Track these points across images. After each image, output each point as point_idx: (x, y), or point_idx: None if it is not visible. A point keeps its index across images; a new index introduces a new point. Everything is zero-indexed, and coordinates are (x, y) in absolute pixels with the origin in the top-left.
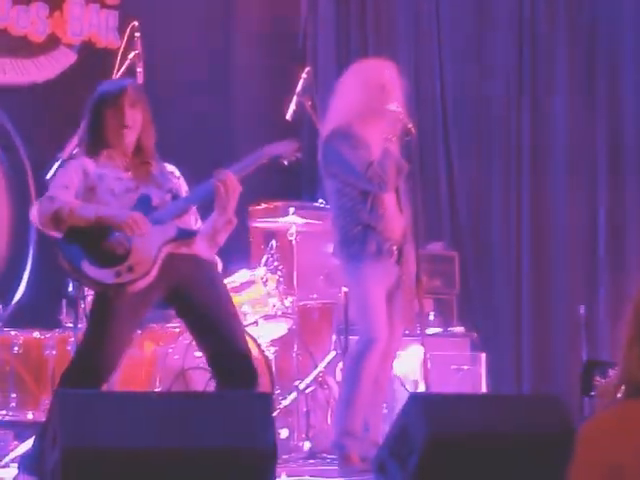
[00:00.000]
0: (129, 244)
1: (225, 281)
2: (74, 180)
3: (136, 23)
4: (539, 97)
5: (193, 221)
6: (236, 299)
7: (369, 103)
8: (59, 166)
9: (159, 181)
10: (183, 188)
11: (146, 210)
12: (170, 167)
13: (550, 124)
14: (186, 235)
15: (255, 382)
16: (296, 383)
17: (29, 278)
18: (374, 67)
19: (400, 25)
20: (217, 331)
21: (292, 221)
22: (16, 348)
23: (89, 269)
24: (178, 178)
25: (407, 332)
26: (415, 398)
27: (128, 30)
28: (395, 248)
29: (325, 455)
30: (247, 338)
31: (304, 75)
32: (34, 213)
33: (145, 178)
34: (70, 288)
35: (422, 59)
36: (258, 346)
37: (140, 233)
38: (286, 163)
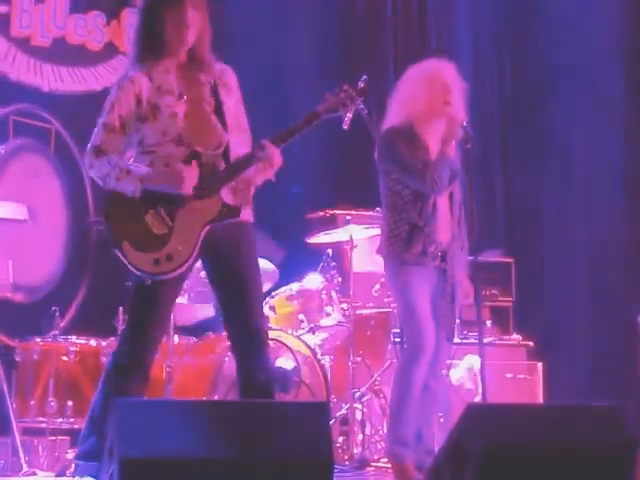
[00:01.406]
0: (171, 222)
1: (282, 289)
2: (123, 114)
3: None
4: None
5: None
6: (292, 307)
7: (431, 102)
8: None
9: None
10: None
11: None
12: (226, 69)
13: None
14: (228, 215)
15: (265, 364)
16: (352, 392)
17: (86, 286)
18: (437, 66)
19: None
20: (236, 306)
21: (349, 230)
22: (73, 355)
23: (129, 251)
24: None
25: (463, 340)
26: (471, 408)
27: None
28: (440, 252)
29: (381, 464)
30: (302, 346)
31: (361, 83)
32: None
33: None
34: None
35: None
36: (314, 354)
37: (185, 190)
38: (347, 116)
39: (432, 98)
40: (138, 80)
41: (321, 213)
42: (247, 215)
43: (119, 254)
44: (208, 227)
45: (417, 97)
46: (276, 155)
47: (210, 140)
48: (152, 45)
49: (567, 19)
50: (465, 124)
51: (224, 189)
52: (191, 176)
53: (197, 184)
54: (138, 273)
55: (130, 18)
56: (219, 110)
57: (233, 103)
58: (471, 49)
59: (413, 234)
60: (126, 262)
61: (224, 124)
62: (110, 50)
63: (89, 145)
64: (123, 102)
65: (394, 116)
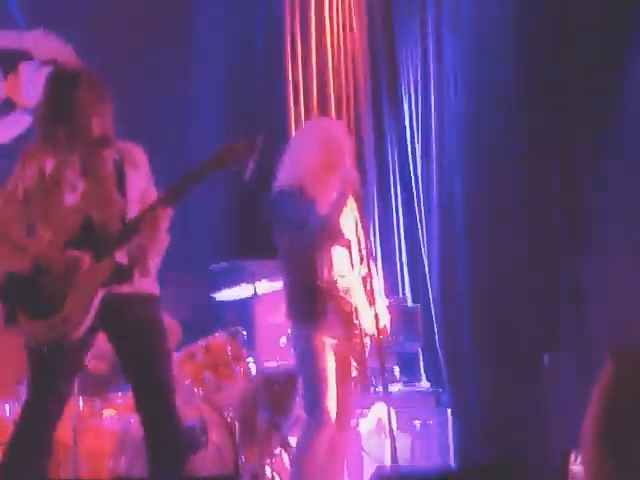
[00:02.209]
0: (62, 288)
1: (186, 346)
2: (27, 187)
3: None
4: None
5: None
6: (198, 364)
7: (322, 162)
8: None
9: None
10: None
11: (88, 237)
12: (133, 148)
13: None
14: (121, 275)
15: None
16: (261, 449)
17: None
18: (327, 126)
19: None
20: (143, 386)
21: (253, 284)
22: None
23: (23, 321)
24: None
25: (372, 390)
26: (379, 472)
27: None
28: (348, 307)
29: None
30: (208, 405)
31: (258, 142)
32: None
33: (97, 181)
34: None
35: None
36: (220, 413)
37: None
38: (250, 166)
39: (322, 159)
40: (41, 157)
41: (225, 264)
42: (150, 287)
43: (13, 328)
44: (102, 290)
45: (307, 157)
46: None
47: (108, 209)
48: (55, 130)
49: None
50: (355, 181)
51: (119, 253)
52: (84, 259)
53: (92, 248)
54: (34, 343)
55: (28, 72)
56: (121, 183)
57: (140, 179)
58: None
59: (314, 293)
60: (22, 333)
61: (124, 195)
62: (8, 105)
63: None
64: (27, 175)
65: (285, 176)
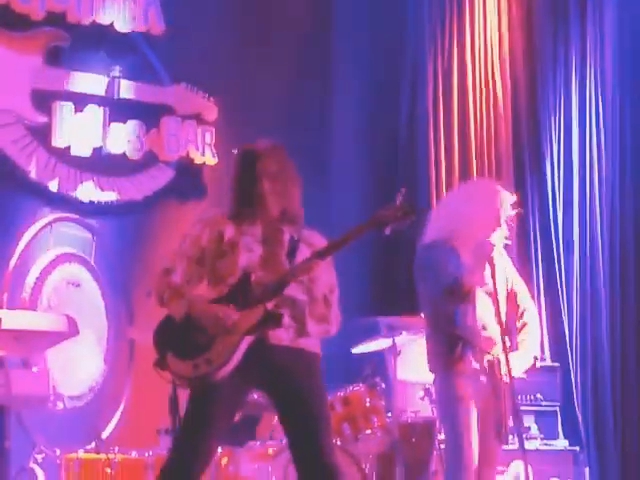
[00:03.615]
0: (212, 334)
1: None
2: (205, 247)
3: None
4: None
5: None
6: (336, 416)
7: (481, 225)
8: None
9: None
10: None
11: (243, 289)
12: (314, 234)
13: None
14: (270, 322)
15: None
16: None
17: (128, 395)
18: (488, 191)
19: None
20: (304, 438)
21: (392, 338)
22: (116, 467)
23: (172, 361)
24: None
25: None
26: None
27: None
28: (487, 360)
29: None
30: (346, 455)
31: (400, 195)
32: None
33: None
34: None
35: None
36: (359, 464)
37: (223, 331)
38: (388, 232)
39: (484, 222)
40: (224, 223)
41: (364, 320)
42: (311, 345)
43: (161, 369)
44: (250, 335)
45: (461, 217)
46: (317, 267)
47: (272, 271)
48: (240, 208)
49: None
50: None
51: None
52: (232, 319)
53: (244, 299)
54: (179, 381)
55: (169, 126)
56: (291, 254)
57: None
58: None
59: (455, 345)
60: (169, 372)
61: (291, 264)
62: (150, 159)
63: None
64: (206, 239)
65: (436, 229)
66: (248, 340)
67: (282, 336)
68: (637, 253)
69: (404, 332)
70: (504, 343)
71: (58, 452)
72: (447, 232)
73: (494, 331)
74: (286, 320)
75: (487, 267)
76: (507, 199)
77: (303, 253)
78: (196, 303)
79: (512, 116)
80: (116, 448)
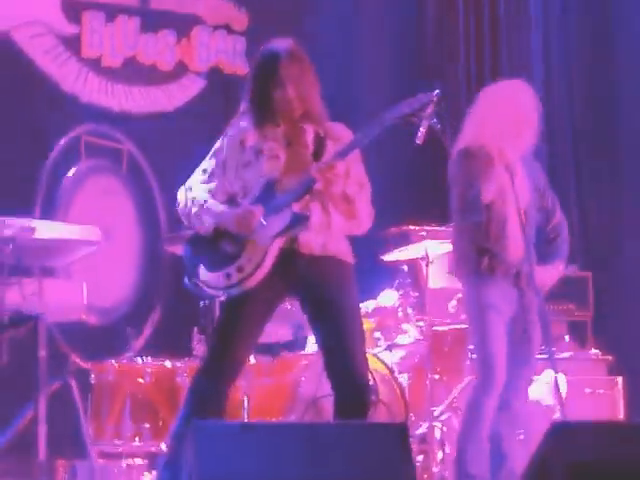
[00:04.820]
0: (241, 241)
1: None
2: (227, 161)
3: None
4: None
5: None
6: (369, 325)
7: (501, 127)
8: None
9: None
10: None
11: (268, 197)
12: (339, 127)
13: None
14: (299, 221)
15: (365, 410)
16: (431, 410)
17: (160, 307)
18: (510, 90)
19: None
20: (338, 349)
21: (424, 246)
22: (148, 377)
23: (203, 273)
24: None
25: (541, 356)
26: (556, 426)
27: None
28: (514, 271)
29: None
30: (380, 364)
31: (434, 98)
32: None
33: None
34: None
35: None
36: (391, 372)
37: (250, 231)
38: (421, 130)
39: (502, 124)
40: (245, 130)
41: (395, 229)
42: (342, 253)
43: (193, 283)
44: (281, 238)
45: (487, 122)
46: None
47: (299, 176)
48: (262, 112)
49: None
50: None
51: (296, 203)
52: (257, 217)
53: (271, 203)
54: (213, 292)
55: (200, 36)
56: (318, 153)
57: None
58: (543, 67)
59: (481, 256)
60: (201, 285)
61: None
62: (181, 69)
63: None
64: (227, 150)
65: (468, 135)
66: (278, 245)
67: (313, 244)
68: None
69: (434, 240)
70: (530, 255)
71: (90, 364)
72: (479, 139)
73: (520, 243)
74: (316, 221)
75: (519, 175)
76: (531, 100)
77: (330, 150)
78: (219, 212)
79: None
80: (149, 358)
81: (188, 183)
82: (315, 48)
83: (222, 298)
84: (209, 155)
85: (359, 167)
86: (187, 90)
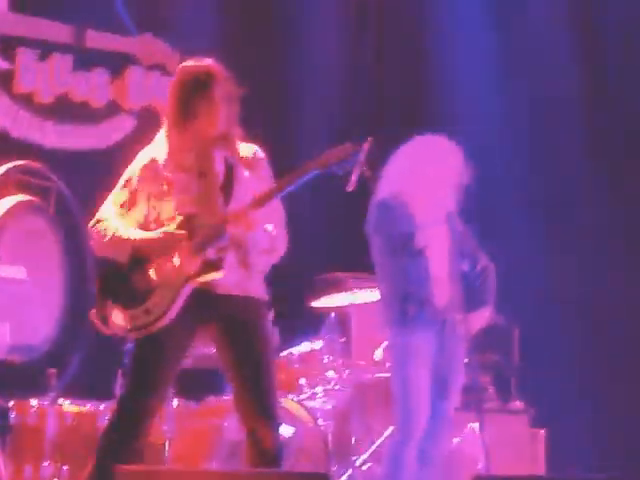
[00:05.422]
0: (155, 279)
1: (283, 353)
2: (138, 190)
3: None
4: None
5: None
6: (293, 372)
7: (432, 177)
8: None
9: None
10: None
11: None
12: (252, 148)
13: None
14: (209, 270)
15: (276, 446)
16: (353, 459)
17: (84, 347)
18: (445, 145)
19: None
20: (250, 388)
21: (352, 293)
22: (69, 419)
23: (111, 310)
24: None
25: (464, 407)
26: None
27: None
28: (440, 318)
29: None
30: (303, 411)
31: (363, 146)
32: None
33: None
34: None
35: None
36: (314, 420)
37: (169, 254)
38: (341, 173)
39: (418, 175)
40: (156, 159)
41: (324, 276)
42: (257, 291)
43: (101, 319)
44: (191, 284)
45: (419, 172)
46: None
47: (211, 212)
48: (180, 127)
49: None
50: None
51: (211, 249)
52: (179, 240)
53: (185, 245)
54: (119, 331)
55: (134, 75)
56: (228, 186)
57: (253, 180)
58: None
59: (407, 302)
60: (109, 322)
61: (229, 196)
62: (113, 108)
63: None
64: (139, 180)
65: (387, 186)
66: (189, 289)
67: (227, 284)
68: None
69: (362, 288)
70: (457, 301)
71: (11, 403)
72: (400, 189)
73: (446, 289)
74: (231, 261)
75: (442, 225)
76: (460, 159)
77: (240, 179)
78: (137, 236)
79: None
80: (69, 400)
81: (99, 215)
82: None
83: (130, 341)
84: (120, 185)
85: (278, 210)
86: (119, 129)
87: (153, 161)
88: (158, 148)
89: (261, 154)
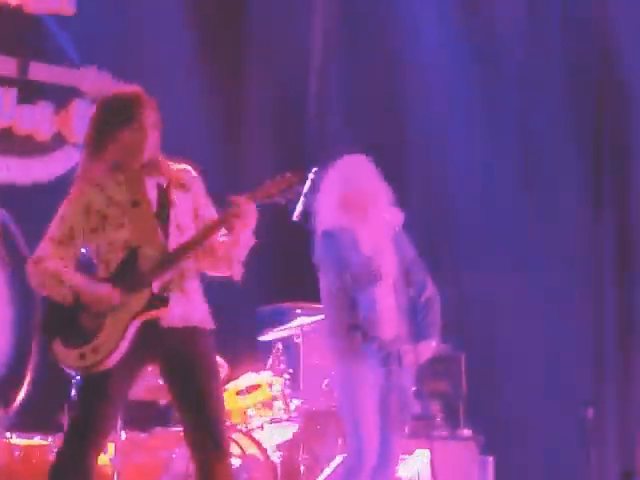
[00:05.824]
0: (100, 318)
1: (231, 384)
2: (74, 226)
3: None
4: None
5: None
6: (241, 403)
7: (349, 204)
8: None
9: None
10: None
11: (127, 270)
12: (183, 169)
13: None
14: (156, 306)
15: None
16: None
17: (31, 381)
18: (346, 165)
19: None
20: (198, 418)
21: (299, 323)
22: (17, 452)
23: (58, 348)
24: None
25: (414, 434)
26: None
27: None
28: (386, 348)
29: None
30: (251, 442)
31: (311, 175)
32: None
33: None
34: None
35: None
36: (263, 451)
37: (107, 310)
38: (298, 207)
39: (350, 198)
40: (88, 193)
41: (270, 307)
42: (202, 321)
43: (50, 353)
44: (138, 320)
45: (336, 198)
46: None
47: (153, 242)
48: (103, 158)
49: None
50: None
51: (157, 282)
52: (115, 301)
53: (131, 279)
54: (67, 369)
55: (79, 108)
56: (163, 213)
57: (188, 201)
58: None
59: (353, 334)
60: (57, 360)
61: (167, 222)
62: (58, 140)
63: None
64: (72, 215)
65: (323, 217)
66: (136, 325)
67: (172, 317)
68: None
69: (309, 318)
70: (404, 332)
71: None
72: (340, 217)
73: (392, 319)
74: (175, 293)
75: (387, 251)
76: (369, 173)
77: (174, 202)
78: (79, 287)
79: None
80: (16, 434)
81: (37, 253)
82: None
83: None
84: (55, 222)
85: (208, 208)
86: (64, 161)
87: (84, 194)
88: (88, 181)
89: (193, 172)
